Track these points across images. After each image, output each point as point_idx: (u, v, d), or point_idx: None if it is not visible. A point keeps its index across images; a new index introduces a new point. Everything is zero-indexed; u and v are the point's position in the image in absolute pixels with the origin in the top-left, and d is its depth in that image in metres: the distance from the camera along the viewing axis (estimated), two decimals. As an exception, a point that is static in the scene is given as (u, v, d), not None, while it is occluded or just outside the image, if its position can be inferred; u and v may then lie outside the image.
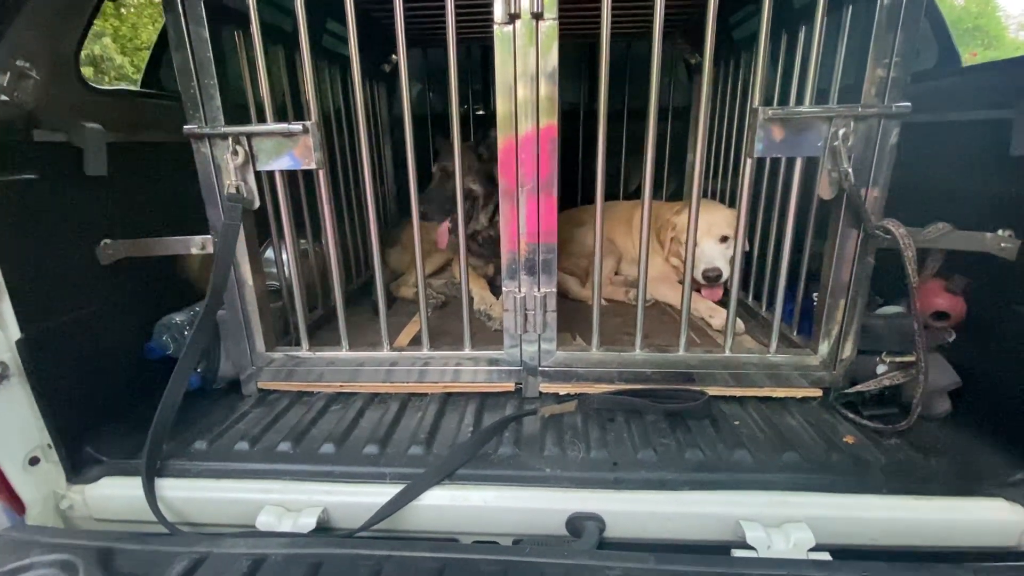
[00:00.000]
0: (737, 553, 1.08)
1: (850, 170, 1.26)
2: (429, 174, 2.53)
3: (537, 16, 1.21)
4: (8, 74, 1.11)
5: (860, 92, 1.27)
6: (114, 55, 13.80)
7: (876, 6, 1.21)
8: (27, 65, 1.15)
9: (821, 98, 1.38)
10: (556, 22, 1.23)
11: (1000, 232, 1.27)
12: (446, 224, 2.02)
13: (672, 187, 2.90)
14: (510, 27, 1.24)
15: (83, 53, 1.43)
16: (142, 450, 1.22)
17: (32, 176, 1.22)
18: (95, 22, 1.45)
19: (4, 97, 1.11)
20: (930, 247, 1.36)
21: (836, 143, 1.26)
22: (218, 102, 1.33)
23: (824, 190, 1.33)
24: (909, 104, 1.23)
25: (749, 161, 1.35)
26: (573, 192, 2.79)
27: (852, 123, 1.26)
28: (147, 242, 1.47)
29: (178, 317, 1.56)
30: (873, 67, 1.25)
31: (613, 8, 1.27)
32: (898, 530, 1.14)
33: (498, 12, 1.22)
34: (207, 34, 1.28)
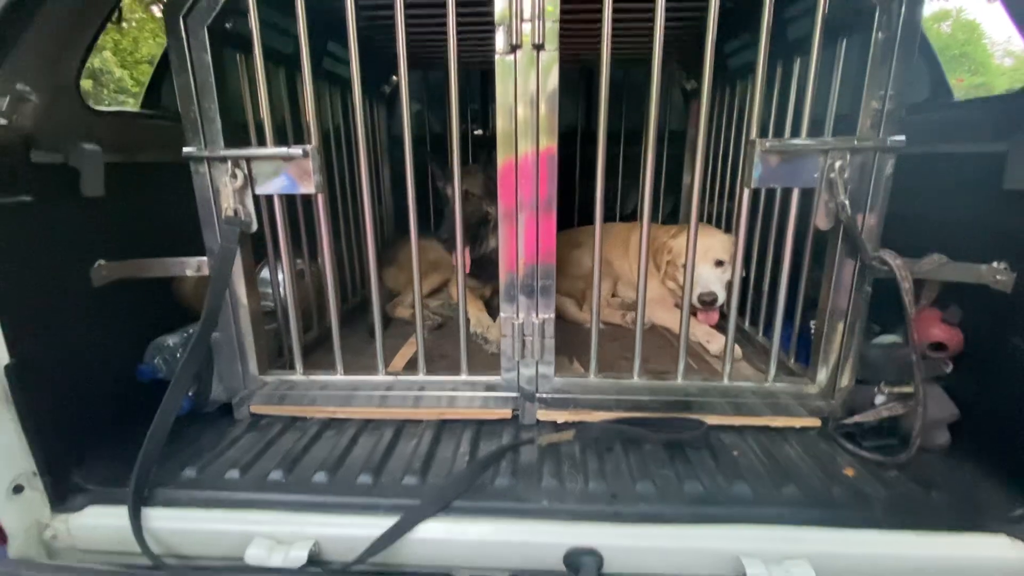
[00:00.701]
0: (738, 590, 1.06)
1: (847, 202, 1.27)
2: (427, 193, 2.54)
3: (539, 47, 1.23)
4: (8, 98, 1.10)
5: (856, 121, 1.28)
6: (114, 68, 13.89)
7: (871, 40, 1.24)
8: (27, 89, 1.14)
9: (816, 125, 1.40)
10: (556, 52, 1.24)
11: (995, 264, 1.28)
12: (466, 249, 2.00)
13: (668, 208, 2.91)
14: (511, 56, 1.25)
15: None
16: (130, 477, 1.19)
17: (27, 199, 1.20)
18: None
19: (3, 121, 1.10)
20: (927, 278, 1.36)
21: (832, 175, 1.27)
22: (218, 125, 1.33)
23: (821, 221, 1.34)
24: (904, 138, 1.25)
25: (746, 191, 1.35)
26: (570, 213, 2.80)
27: (848, 156, 1.27)
28: (142, 263, 1.45)
29: (171, 339, 1.53)
30: (868, 100, 1.27)
31: (611, 35, 1.28)
32: (900, 567, 1.13)
33: (500, 43, 1.24)
34: (209, 59, 1.29)
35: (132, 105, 2.48)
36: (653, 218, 2.78)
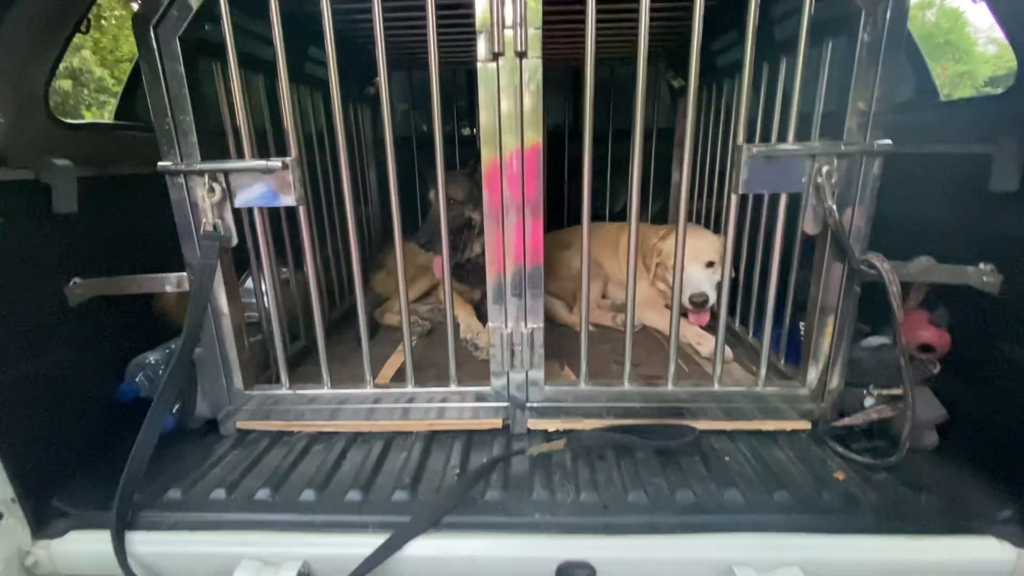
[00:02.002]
0: (731, 601, 1.06)
1: (834, 206, 1.27)
2: (414, 195, 2.51)
3: (521, 55, 1.20)
4: (-30, 116, 1.07)
5: (843, 122, 1.27)
6: (94, 67, 13.62)
7: (856, 42, 1.23)
8: (-10, 106, 1.10)
9: (803, 123, 1.39)
10: (540, 60, 1.22)
11: (982, 266, 1.28)
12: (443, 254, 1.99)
13: (657, 207, 2.91)
14: (493, 64, 1.23)
15: (61, 66, 1.38)
16: (112, 501, 1.17)
17: (-4, 218, 1.17)
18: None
19: (-35, 139, 1.07)
20: (915, 281, 1.36)
21: (820, 180, 1.27)
22: (194, 138, 1.29)
23: (809, 225, 1.33)
24: (890, 141, 1.24)
25: (734, 196, 1.34)
26: (559, 213, 2.78)
27: (835, 160, 1.26)
28: (119, 280, 1.42)
29: (152, 356, 1.50)
30: (854, 103, 1.26)
31: (597, 34, 1.26)
32: (891, 571, 1.14)
33: (481, 50, 1.21)
34: (182, 70, 1.25)
35: (112, 104, 2.43)
36: (642, 217, 2.78)
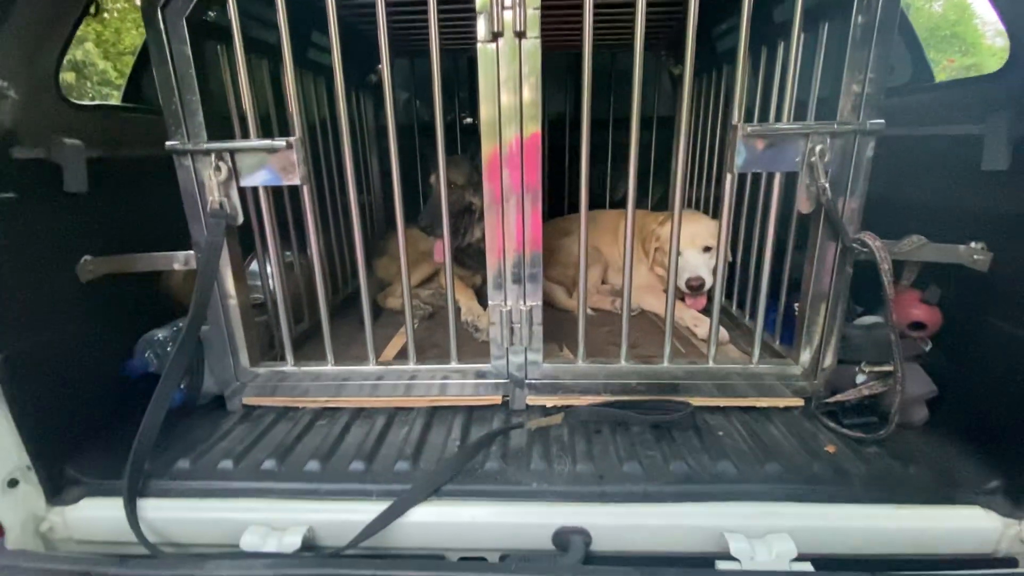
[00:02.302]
0: (721, 565, 1.10)
1: (827, 185, 1.29)
2: (416, 183, 2.53)
3: (520, 35, 1.23)
4: (-15, 93, 1.10)
5: (837, 105, 1.30)
6: (96, 60, 13.63)
7: (850, 23, 1.25)
8: (4, 84, 1.13)
9: (801, 109, 1.41)
10: (539, 40, 1.24)
11: (973, 244, 1.30)
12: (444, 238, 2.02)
13: (658, 195, 2.93)
14: (493, 45, 1.25)
15: (65, 59, 1.41)
16: (124, 470, 1.21)
17: (10, 195, 1.20)
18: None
19: (-19, 116, 1.10)
20: (906, 259, 1.39)
21: (813, 159, 1.29)
22: (200, 118, 1.32)
23: (803, 204, 1.35)
24: (883, 121, 1.27)
25: (729, 176, 1.37)
26: (560, 201, 2.81)
27: (828, 139, 1.29)
28: (129, 258, 1.45)
29: (160, 333, 1.54)
30: (848, 83, 1.28)
31: (596, 20, 1.28)
32: (878, 539, 1.17)
33: (481, 30, 1.24)
34: (189, 51, 1.28)
35: (115, 98, 2.45)
36: (642, 205, 2.80)
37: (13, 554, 1.11)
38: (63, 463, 1.29)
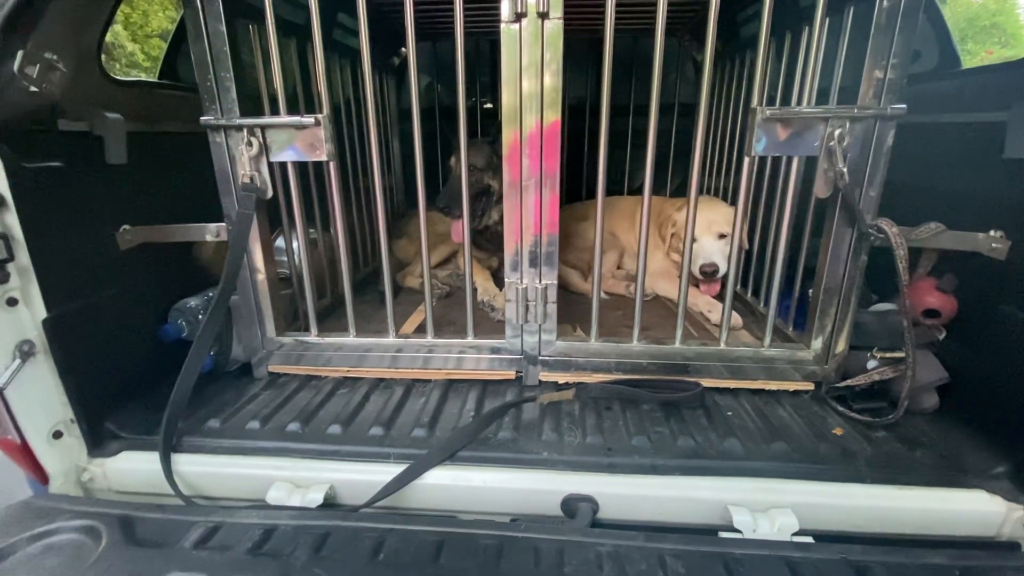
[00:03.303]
0: (724, 536, 1.13)
1: (845, 170, 1.30)
2: (436, 166, 2.58)
3: (543, 15, 1.25)
4: (38, 66, 1.16)
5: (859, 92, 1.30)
6: (125, 43, 13.86)
7: (875, 8, 1.24)
8: (54, 57, 1.20)
9: (823, 98, 1.41)
10: (561, 21, 1.26)
11: (992, 233, 1.30)
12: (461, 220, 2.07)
13: (677, 182, 2.92)
14: (516, 25, 1.28)
15: None
16: (159, 427, 1.28)
17: (58, 164, 1.27)
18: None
19: (34, 88, 1.16)
20: (923, 246, 1.39)
21: (832, 143, 1.30)
22: (234, 94, 1.38)
23: (820, 189, 1.36)
24: (904, 106, 1.26)
25: (747, 159, 1.38)
26: (578, 186, 2.82)
27: (848, 124, 1.29)
28: (164, 228, 1.52)
29: (192, 301, 1.61)
30: (871, 68, 1.28)
31: (619, 4, 1.30)
32: (880, 518, 1.19)
33: (505, 10, 1.26)
34: (224, 28, 1.33)
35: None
36: (661, 191, 2.81)
37: (59, 498, 1.20)
38: (103, 418, 1.38)
